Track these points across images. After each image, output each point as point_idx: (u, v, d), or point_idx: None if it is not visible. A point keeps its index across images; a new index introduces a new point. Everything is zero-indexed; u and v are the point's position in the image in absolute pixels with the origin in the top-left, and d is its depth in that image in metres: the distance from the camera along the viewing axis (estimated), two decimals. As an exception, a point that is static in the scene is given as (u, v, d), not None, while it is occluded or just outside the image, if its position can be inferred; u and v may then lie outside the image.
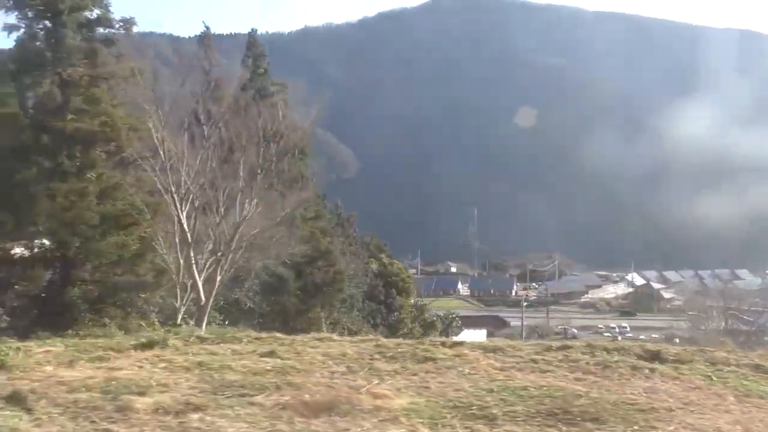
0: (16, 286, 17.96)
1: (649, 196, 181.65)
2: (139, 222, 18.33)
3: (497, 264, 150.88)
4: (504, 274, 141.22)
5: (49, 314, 17.57)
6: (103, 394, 5.70)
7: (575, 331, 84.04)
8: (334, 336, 10.66)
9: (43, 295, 18.17)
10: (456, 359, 7.72)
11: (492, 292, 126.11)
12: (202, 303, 16.82)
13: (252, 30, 31.68)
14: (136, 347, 8.14)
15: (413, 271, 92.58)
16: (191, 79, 19.73)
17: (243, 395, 5.87)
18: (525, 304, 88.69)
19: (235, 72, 26.22)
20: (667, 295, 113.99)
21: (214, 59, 22.76)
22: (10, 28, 17.75)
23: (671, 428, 5.33)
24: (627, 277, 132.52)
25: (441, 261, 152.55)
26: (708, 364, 7.89)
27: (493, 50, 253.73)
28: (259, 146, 16.99)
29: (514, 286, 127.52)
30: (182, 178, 16.80)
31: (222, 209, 17.39)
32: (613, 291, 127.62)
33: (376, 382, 6.70)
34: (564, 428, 5.30)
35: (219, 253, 17.07)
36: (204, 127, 16.90)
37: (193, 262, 16.69)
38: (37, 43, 17.96)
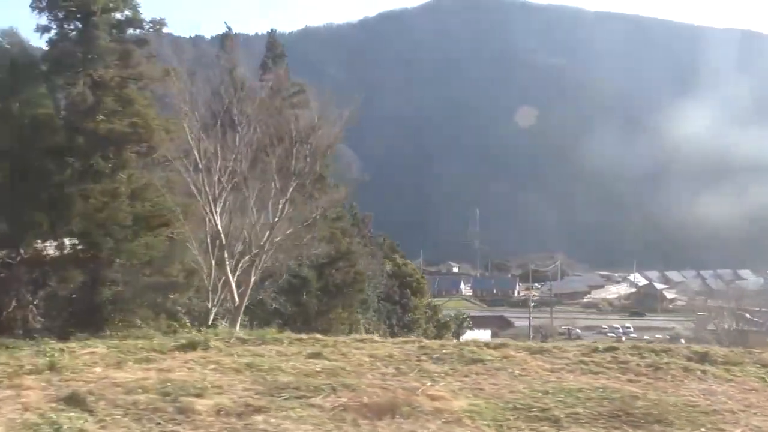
0: (48, 287, 17.97)
1: (650, 196, 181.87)
2: (170, 222, 18.40)
3: (499, 264, 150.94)
4: (506, 275, 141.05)
5: (80, 315, 17.63)
6: (161, 396, 5.77)
7: (579, 331, 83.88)
8: (376, 337, 10.68)
9: (73, 295, 18.22)
10: (504, 360, 7.79)
11: (494, 292, 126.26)
12: (236, 304, 16.81)
13: (271, 30, 32.02)
14: (178, 348, 8.21)
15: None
16: (216, 80, 19.70)
17: (299, 397, 5.94)
18: (532, 304, 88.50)
19: (253, 72, 26.25)
20: (669, 295, 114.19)
21: (236, 60, 22.73)
22: (42, 29, 17.91)
23: (739, 431, 5.38)
24: (629, 277, 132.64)
25: (443, 261, 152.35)
26: (758, 365, 7.94)
27: (493, 50, 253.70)
28: (291, 147, 17.00)
29: (517, 287, 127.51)
30: (215, 178, 16.77)
31: (254, 210, 17.37)
32: (615, 291, 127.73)
33: (429, 383, 6.73)
34: (630, 430, 5.34)
35: (252, 254, 17.06)
36: (238, 127, 16.90)
37: (227, 263, 16.69)
38: (69, 44, 18.01)
